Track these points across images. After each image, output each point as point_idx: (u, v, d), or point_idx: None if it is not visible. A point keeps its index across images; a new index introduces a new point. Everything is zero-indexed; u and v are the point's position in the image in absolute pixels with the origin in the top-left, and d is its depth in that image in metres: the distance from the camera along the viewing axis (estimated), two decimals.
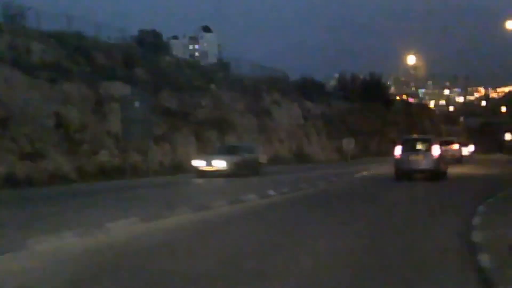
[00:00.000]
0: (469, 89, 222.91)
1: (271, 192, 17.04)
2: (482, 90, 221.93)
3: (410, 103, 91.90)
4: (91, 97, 27.03)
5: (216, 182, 22.87)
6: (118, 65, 32.01)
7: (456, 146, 40.40)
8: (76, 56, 29.06)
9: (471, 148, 45.80)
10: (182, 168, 30.10)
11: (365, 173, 28.96)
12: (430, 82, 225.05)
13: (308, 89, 53.47)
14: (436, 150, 23.21)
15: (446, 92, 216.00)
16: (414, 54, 56.69)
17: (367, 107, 62.41)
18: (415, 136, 32.55)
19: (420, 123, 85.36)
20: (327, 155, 47.06)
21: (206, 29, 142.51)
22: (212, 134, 35.24)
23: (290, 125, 44.58)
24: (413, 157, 23.28)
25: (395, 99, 76.36)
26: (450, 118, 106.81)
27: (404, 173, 23.26)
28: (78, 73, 27.43)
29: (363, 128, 56.28)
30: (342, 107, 57.34)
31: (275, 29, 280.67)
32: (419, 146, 24.24)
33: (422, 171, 23.71)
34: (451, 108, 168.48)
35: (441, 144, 25.39)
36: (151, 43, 47.65)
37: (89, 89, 27.12)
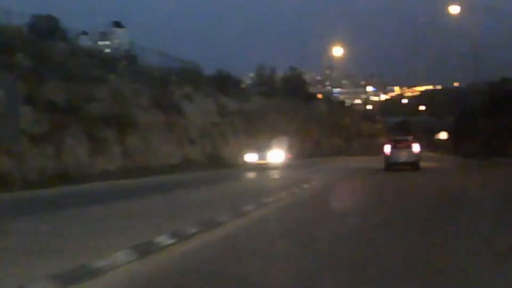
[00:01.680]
0: (387, 88, 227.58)
1: None
2: (397, 89, 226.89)
3: (331, 101, 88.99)
4: None
5: None
6: None
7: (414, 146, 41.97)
8: None
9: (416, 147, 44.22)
10: (69, 176, 24.22)
11: (306, 185, 18.30)
12: (345, 82, 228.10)
13: (225, 83, 48.31)
14: (416, 147, 29.31)
15: (362, 91, 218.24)
16: (331, 53, 53.42)
17: (288, 103, 58.16)
18: (399, 137, 35.86)
19: (341, 121, 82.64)
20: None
21: (117, 25, 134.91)
22: (109, 133, 29.35)
23: (204, 122, 39.11)
24: (399, 153, 29.10)
25: (316, 96, 72.04)
26: (370, 117, 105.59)
27: (392, 166, 28.88)
28: None
29: (285, 126, 51.81)
30: (261, 104, 52.52)
31: (196, 27, 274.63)
32: (402, 145, 29.80)
33: (406, 163, 28.95)
34: (369, 107, 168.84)
35: (396, 143, 30.30)
36: (44, 29, 40.90)
37: None
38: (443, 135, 69.20)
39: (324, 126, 63.89)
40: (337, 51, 55.47)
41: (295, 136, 53.44)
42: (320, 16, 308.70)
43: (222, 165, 36.63)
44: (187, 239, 8.40)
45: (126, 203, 14.03)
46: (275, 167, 31.60)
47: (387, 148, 29.56)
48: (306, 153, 51.76)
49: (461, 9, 38.42)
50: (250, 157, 33.48)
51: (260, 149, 33.39)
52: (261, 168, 31.41)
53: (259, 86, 62.33)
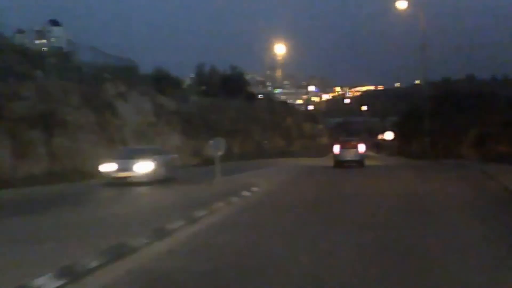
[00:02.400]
0: (328, 88, 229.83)
1: None
2: (338, 90, 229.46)
3: (273, 101, 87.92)
4: None
5: None
6: None
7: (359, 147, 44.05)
8: None
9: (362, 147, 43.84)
10: None
11: (248, 193, 16.23)
12: (287, 82, 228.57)
13: (163, 82, 46.52)
14: (361, 147, 33.03)
15: (304, 91, 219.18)
16: (273, 52, 52.47)
17: (229, 103, 56.75)
18: (346, 138, 41.28)
19: (283, 121, 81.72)
20: (184, 159, 40.12)
21: (54, 23, 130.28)
22: (35, 134, 27.19)
23: (139, 123, 37.15)
24: (346, 152, 32.56)
25: (257, 96, 70.79)
26: (311, 117, 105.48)
27: (340, 163, 32.27)
28: None
29: (225, 126, 50.37)
30: (201, 103, 50.91)
31: (141, 27, 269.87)
32: (349, 144, 33.55)
33: (352, 161, 32.27)
34: (310, 107, 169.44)
35: (344, 144, 33.74)
36: None
37: None
38: (388, 135, 67.73)
39: (266, 126, 62.73)
40: (279, 48, 54.54)
41: (236, 137, 52.12)
42: (263, 16, 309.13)
43: None
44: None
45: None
46: (141, 182, 21.26)
47: (336, 148, 33.21)
48: (246, 154, 50.43)
49: (407, 9, 37.88)
50: (108, 167, 21.89)
51: (125, 157, 22.72)
52: (122, 183, 21.19)
53: (199, 85, 60.70)
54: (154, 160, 22.35)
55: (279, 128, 74.16)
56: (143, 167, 21.67)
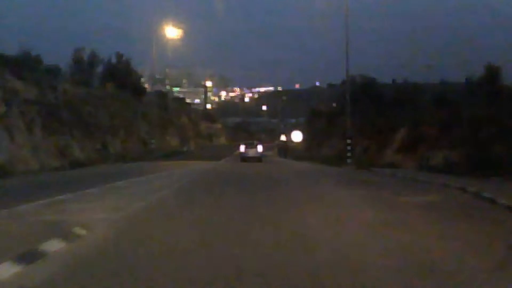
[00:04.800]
0: (227, 88, 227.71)
1: None
2: (237, 90, 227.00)
3: (166, 96, 79.68)
4: None
5: None
6: None
7: (258, 147, 45.58)
8: None
9: (260, 147, 45.04)
10: None
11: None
12: (185, 81, 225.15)
13: (22, 64, 37.20)
14: (260, 148, 43.79)
15: (202, 90, 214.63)
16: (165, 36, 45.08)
17: (111, 95, 48.03)
18: (250, 141, 49.29)
19: (177, 119, 74.21)
20: (43, 161, 30.96)
21: None
22: None
23: None
24: (249, 151, 42.84)
25: (146, 89, 61.55)
26: (209, 117, 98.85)
27: (245, 159, 41.64)
28: None
29: (103, 121, 41.70)
30: (75, 93, 41.78)
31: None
32: (252, 145, 43.96)
33: (253, 158, 41.60)
34: (208, 106, 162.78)
35: (246, 145, 44.11)
36: None
37: None
38: (296, 136, 59.51)
39: (155, 124, 54.45)
40: (171, 31, 46.90)
41: (116, 135, 43.66)
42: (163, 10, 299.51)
43: (4, 173, 25.55)
44: None
45: None
46: None
47: (242, 148, 43.48)
48: (128, 155, 41.85)
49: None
50: None
51: None
52: None
53: (79, 73, 51.32)
54: None
55: (171, 126, 66.16)
56: None
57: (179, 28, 48.45)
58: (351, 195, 14.72)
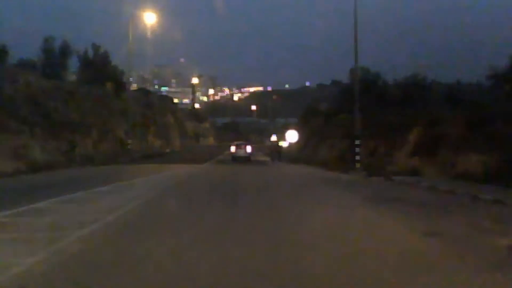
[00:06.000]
0: (216, 88, 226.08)
1: None
2: (227, 90, 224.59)
3: (149, 92, 74.73)
4: None
5: None
6: None
7: (247, 148, 47.96)
8: None
9: (249, 148, 47.25)
10: None
11: None
12: (174, 80, 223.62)
13: None
14: (249, 148, 47.35)
15: (191, 90, 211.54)
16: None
17: (84, 90, 43.08)
18: (239, 142, 52.76)
19: (162, 118, 69.39)
20: None
21: None
22: None
23: None
24: (239, 151, 46.50)
25: (126, 85, 56.48)
26: (197, 116, 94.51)
27: (235, 158, 45.37)
28: None
29: (71, 118, 36.78)
30: (40, 87, 36.79)
31: None
32: (241, 146, 47.61)
33: (243, 157, 45.40)
34: (197, 106, 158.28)
35: (237, 146, 47.80)
36: None
37: None
38: (292, 136, 53.47)
39: (136, 123, 49.52)
40: (149, 17, 42.13)
41: (88, 134, 38.76)
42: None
43: None
44: None
45: None
46: None
47: (233, 148, 47.12)
48: (100, 158, 36.78)
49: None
50: None
51: None
52: None
53: (50, 66, 46.36)
54: None
55: (154, 125, 61.22)
56: None
57: (155, 13, 43.22)
58: (407, 229, 8.99)
